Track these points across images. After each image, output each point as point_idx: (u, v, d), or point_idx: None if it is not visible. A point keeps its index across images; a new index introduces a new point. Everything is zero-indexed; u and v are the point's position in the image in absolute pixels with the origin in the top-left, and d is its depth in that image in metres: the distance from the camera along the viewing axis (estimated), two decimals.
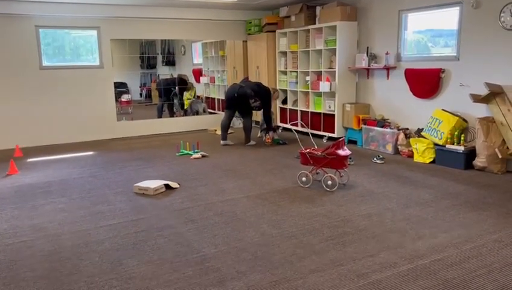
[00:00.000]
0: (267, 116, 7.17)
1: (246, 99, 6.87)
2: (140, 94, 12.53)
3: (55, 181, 5.16)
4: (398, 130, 6.24)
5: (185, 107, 12.02)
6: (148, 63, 12.45)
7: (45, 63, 7.47)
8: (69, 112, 7.68)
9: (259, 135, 7.72)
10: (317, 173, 4.77)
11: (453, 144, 5.38)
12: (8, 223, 3.79)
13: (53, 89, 7.51)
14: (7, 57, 7.10)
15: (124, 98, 11.07)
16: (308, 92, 7.69)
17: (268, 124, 7.24)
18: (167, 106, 10.30)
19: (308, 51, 7.59)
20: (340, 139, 4.65)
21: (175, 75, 13.63)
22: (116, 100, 8.68)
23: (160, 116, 9.96)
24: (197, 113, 10.18)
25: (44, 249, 3.23)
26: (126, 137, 8.20)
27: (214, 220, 3.74)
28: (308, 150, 4.69)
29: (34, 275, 2.84)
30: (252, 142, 7.15)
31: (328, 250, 3.10)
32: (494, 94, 5.05)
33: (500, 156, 4.94)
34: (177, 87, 10.61)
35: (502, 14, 5.01)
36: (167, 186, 4.71)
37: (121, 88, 11.07)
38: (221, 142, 7.15)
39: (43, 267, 2.95)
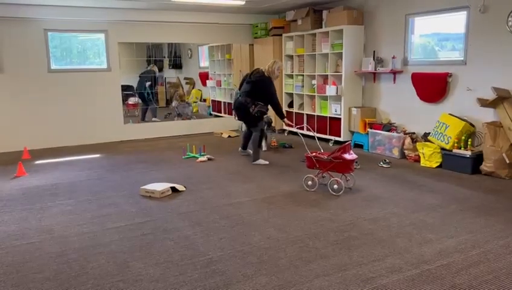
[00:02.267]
0: (275, 107, 5.96)
1: (247, 110, 5.94)
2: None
3: (63, 183, 5.20)
4: (405, 134, 6.22)
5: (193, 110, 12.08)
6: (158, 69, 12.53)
7: (53, 66, 7.54)
8: (77, 115, 7.74)
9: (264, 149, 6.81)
10: (323, 177, 4.77)
11: (460, 148, 5.36)
12: (16, 225, 3.83)
13: (61, 92, 7.57)
14: (16, 60, 7.17)
15: (131, 101, 11.14)
16: (315, 95, 7.69)
17: (280, 115, 6.02)
18: (141, 109, 10.14)
19: (315, 54, 7.59)
20: (346, 143, 4.65)
21: (181, 78, 13.71)
22: (123, 103, 8.73)
23: (143, 118, 9.89)
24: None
25: (52, 251, 3.26)
26: (133, 140, 8.24)
27: (220, 224, 3.75)
28: (314, 154, 4.69)
29: (42, 276, 2.86)
30: (262, 162, 6.00)
31: (333, 254, 3.10)
32: (501, 99, 5.02)
33: (507, 161, 4.92)
34: (147, 83, 10.26)
35: (509, 19, 4.99)
36: (173, 189, 4.73)
37: (127, 91, 11.14)
38: (239, 149, 6.60)
39: (51, 268, 2.97)
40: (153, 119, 9.82)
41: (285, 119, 6.09)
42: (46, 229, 3.72)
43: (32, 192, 4.85)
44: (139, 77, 10.26)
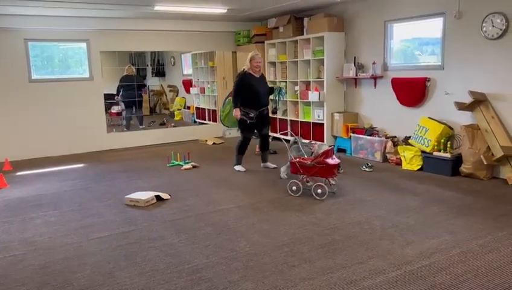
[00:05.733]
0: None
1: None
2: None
3: (46, 194, 5.14)
4: (386, 138, 6.33)
5: (176, 118, 12.05)
6: (138, 75, 12.43)
7: (34, 76, 7.46)
8: (59, 125, 7.65)
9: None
10: (307, 182, 4.82)
11: (440, 151, 5.48)
12: None
13: (42, 102, 7.49)
14: None
15: (114, 109, 11.07)
16: (298, 101, 7.77)
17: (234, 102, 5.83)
18: (126, 118, 10.12)
19: (297, 61, 7.68)
20: (329, 148, 4.71)
21: (165, 86, 13.66)
22: (106, 112, 8.67)
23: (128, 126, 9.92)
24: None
25: (36, 263, 3.23)
26: (117, 149, 8.18)
27: (206, 231, 3.76)
28: (297, 159, 4.74)
29: (26, 289, 2.83)
30: (237, 168, 6.04)
31: (318, 258, 3.14)
32: (478, 102, 5.17)
33: (485, 163, 5.04)
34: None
35: (483, 24, 5.15)
36: (158, 197, 4.72)
37: (111, 100, 11.04)
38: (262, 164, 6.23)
39: (35, 281, 2.94)
40: (141, 126, 9.88)
41: (235, 110, 5.79)
42: (30, 241, 3.67)
43: (15, 204, 4.78)
44: (124, 82, 10.01)
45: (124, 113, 10.38)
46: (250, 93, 5.73)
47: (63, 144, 7.69)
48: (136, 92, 10.03)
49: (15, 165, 6.86)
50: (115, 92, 10.08)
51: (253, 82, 5.75)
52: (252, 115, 5.76)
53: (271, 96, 6.44)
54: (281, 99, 6.13)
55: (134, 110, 10.16)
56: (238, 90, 5.80)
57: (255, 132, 6.04)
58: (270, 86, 6.34)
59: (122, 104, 10.39)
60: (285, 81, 8.01)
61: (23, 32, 7.19)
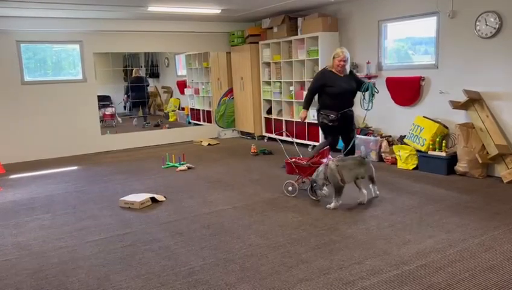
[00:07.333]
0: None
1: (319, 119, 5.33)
2: (124, 107, 12.49)
3: (39, 197, 5.09)
4: (381, 137, 6.34)
5: (170, 119, 12.01)
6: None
7: (27, 78, 7.39)
8: (53, 127, 7.59)
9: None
10: (303, 182, 4.81)
11: (435, 150, 5.49)
12: None
13: (35, 104, 7.42)
14: None
15: (108, 111, 11.02)
16: (292, 101, 7.76)
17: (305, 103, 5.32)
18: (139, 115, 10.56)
19: (291, 61, 7.67)
20: (325, 148, 4.70)
21: (159, 87, 13.62)
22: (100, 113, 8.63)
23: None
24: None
25: (29, 267, 3.19)
26: (111, 150, 8.13)
27: (201, 232, 3.74)
28: (293, 160, 4.73)
29: None
30: None
31: (315, 259, 3.13)
32: (472, 101, 5.18)
33: (480, 161, 5.06)
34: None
35: (477, 23, 5.16)
36: (153, 199, 4.69)
37: (104, 101, 11.02)
38: None
39: (29, 285, 2.91)
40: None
41: (302, 112, 5.37)
42: (23, 245, 3.63)
43: (7, 207, 4.73)
44: (132, 82, 10.54)
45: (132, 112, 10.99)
46: (328, 94, 5.07)
47: (57, 146, 7.63)
48: (144, 93, 10.80)
49: (8, 168, 6.79)
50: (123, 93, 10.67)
51: (333, 82, 5.03)
52: (332, 117, 5.06)
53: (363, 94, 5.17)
54: (371, 98, 5.05)
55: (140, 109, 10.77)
56: (311, 90, 5.21)
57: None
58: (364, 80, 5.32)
59: (129, 104, 10.82)
60: (280, 81, 8.00)
61: (15, 34, 7.13)
